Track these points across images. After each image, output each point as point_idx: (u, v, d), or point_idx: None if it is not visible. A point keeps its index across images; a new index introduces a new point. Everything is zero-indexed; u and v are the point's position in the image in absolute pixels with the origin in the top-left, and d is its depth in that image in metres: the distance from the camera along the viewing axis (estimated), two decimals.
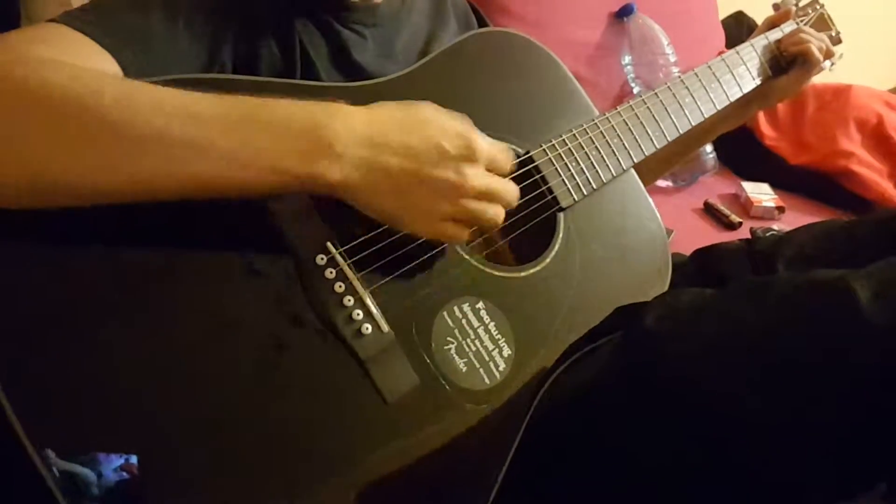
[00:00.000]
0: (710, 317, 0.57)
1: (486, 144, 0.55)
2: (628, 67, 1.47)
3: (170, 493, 0.47)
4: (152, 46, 0.55)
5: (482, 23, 0.87)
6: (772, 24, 0.95)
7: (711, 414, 0.52)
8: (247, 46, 0.63)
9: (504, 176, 0.57)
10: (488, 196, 0.55)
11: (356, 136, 0.50)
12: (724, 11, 1.83)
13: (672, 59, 1.45)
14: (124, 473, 0.45)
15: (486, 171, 0.55)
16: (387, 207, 0.52)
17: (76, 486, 0.44)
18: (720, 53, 1.60)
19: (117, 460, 0.45)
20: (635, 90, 1.47)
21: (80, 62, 0.50)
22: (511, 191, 0.57)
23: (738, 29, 1.87)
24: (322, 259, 0.55)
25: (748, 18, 1.89)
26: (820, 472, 0.50)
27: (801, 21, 0.98)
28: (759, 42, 0.91)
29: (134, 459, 0.45)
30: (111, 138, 0.45)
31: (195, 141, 0.46)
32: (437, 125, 0.54)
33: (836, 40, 1.01)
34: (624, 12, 1.46)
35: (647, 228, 0.75)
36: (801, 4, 0.99)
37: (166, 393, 0.48)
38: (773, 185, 1.49)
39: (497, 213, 0.56)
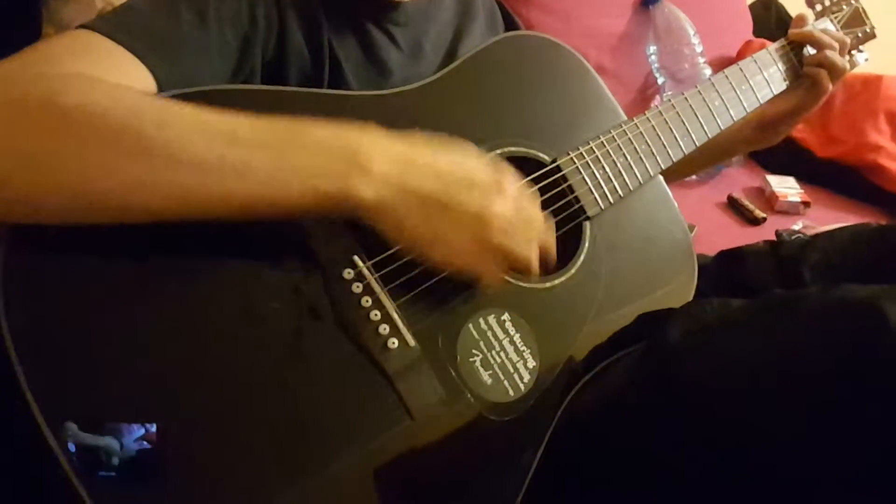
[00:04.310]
0: (737, 332, 0.57)
1: (515, 180, 0.55)
2: (653, 57, 1.45)
3: (187, 470, 0.48)
4: (183, 53, 0.55)
5: (507, 17, 0.85)
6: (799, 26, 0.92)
7: (737, 428, 0.52)
8: (275, 47, 0.62)
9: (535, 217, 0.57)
10: (515, 227, 0.54)
11: (389, 156, 0.51)
12: None
13: (698, 49, 1.42)
14: (145, 443, 0.46)
15: (515, 203, 0.55)
16: (414, 232, 0.52)
17: (98, 459, 0.45)
18: (747, 41, 1.58)
19: (138, 430, 0.46)
20: (660, 81, 1.45)
21: (113, 73, 0.51)
22: (542, 221, 0.57)
23: (767, 15, 1.82)
24: (349, 273, 0.55)
25: (777, 4, 1.84)
26: (843, 488, 0.50)
27: (835, 16, 0.96)
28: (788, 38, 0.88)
29: (154, 429, 0.46)
30: (151, 160, 0.46)
31: (232, 163, 0.47)
32: (468, 157, 0.55)
33: (871, 35, 0.98)
34: (650, 1, 1.43)
35: (673, 236, 0.74)
36: None
37: (189, 383, 0.49)
38: (799, 179, 1.46)
39: (526, 246, 0.56)
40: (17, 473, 0.49)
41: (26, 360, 0.45)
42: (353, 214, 0.51)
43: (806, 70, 0.85)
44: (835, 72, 0.84)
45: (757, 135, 0.88)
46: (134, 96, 0.49)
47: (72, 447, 0.44)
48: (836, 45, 0.85)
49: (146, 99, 0.49)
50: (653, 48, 1.44)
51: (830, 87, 0.85)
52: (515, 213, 0.54)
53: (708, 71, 1.41)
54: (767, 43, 0.90)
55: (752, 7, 1.74)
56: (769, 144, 0.92)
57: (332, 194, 0.49)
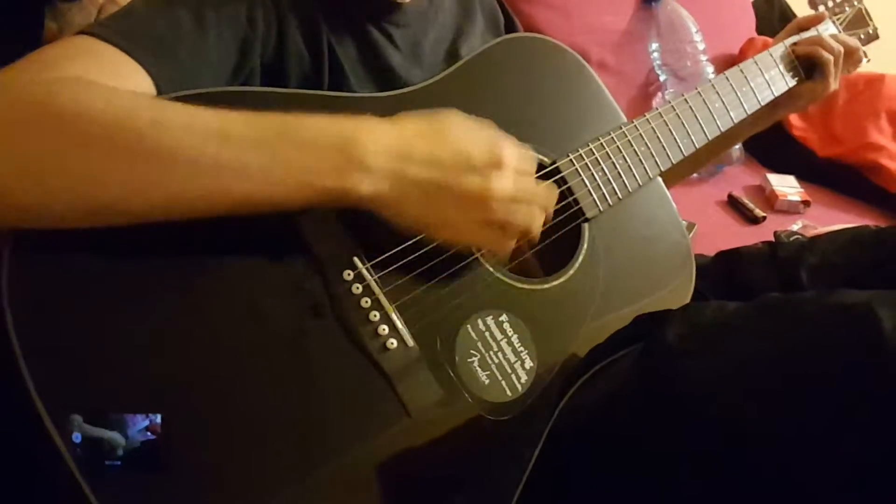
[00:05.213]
0: (732, 336, 0.57)
1: (513, 151, 0.55)
2: (655, 55, 1.45)
3: (186, 467, 0.48)
4: (182, 56, 0.56)
5: (508, 18, 0.85)
6: (801, 26, 0.92)
7: (733, 429, 0.53)
8: (275, 49, 0.62)
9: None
10: (518, 199, 0.55)
11: (384, 148, 0.51)
12: None
13: (700, 46, 1.42)
14: (149, 434, 0.47)
15: (515, 177, 0.55)
16: (417, 218, 0.53)
17: (102, 451, 0.45)
18: (750, 39, 1.58)
19: (143, 421, 0.47)
20: (662, 78, 1.44)
21: (112, 77, 0.51)
22: (543, 191, 0.58)
23: (769, 11, 1.82)
24: (349, 274, 0.56)
25: (780, 0, 1.84)
26: (838, 494, 0.50)
27: (838, 18, 0.96)
28: (793, 42, 0.88)
29: (159, 420, 0.47)
30: (147, 160, 0.46)
31: (229, 160, 0.47)
32: (463, 135, 0.55)
33: (874, 36, 0.98)
34: None
35: (672, 238, 0.75)
36: (837, 0, 0.96)
37: (189, 382, 0.49)
38: (800, 178, 1.46)
39: (530, 213, 0.56)
40: (19, 469, 0.49)
41: (30, 355, 0.45)
42: (355, 207, 0.52)
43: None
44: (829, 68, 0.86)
45: (754, 119, 0.89)
46: (127, 97, 0.49)
47: (77, 438, 0.45)
48: (835, 47, 0.86)
49: (140, 99, 0.49)
50: (655, 45, 1.44)
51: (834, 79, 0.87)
52: (515, 186, 0.55)
53: (710, 68, 1.41)
54: (770, 40, 0.91)
55: (754, 4, 1.74)
56: (770, 124, 0.94)
57: (331, 189, 0.50)
